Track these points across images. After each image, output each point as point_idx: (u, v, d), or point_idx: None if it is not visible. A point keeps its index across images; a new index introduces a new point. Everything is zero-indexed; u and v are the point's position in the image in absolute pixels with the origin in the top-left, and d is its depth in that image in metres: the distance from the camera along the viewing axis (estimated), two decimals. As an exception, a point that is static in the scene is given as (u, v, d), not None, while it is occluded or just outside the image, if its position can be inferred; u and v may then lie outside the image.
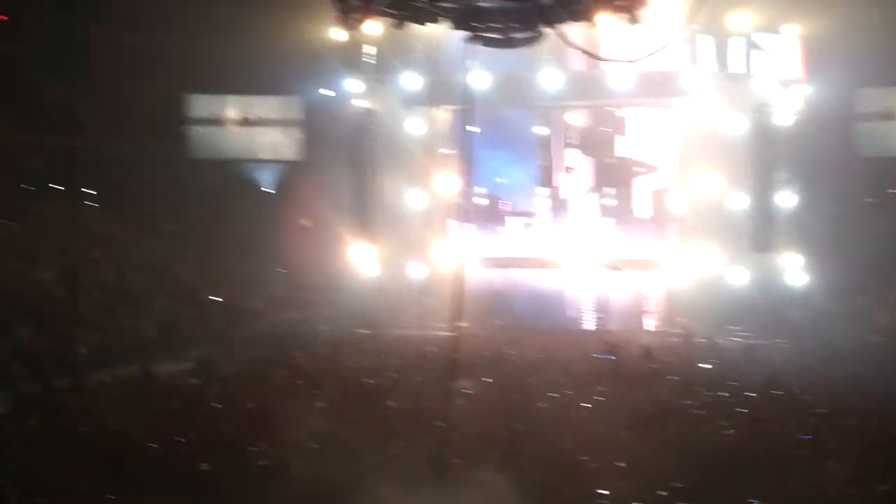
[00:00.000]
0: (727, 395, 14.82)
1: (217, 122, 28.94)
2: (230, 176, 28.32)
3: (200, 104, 28.79)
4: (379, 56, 26.12)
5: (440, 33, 17.18)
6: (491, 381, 15.62)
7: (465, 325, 16.96)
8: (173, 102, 28.04)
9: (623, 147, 27.39)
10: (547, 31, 11.98)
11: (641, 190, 27.09)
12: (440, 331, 19.99)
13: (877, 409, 13.60)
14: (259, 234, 25.94)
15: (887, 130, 26.90)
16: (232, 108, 28.99)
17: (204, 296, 23.28)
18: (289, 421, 12.55)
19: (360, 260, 25.68)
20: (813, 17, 24.35)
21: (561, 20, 11.25)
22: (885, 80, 26.10)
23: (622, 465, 11.33)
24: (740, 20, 24.53)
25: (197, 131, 28.78)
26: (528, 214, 27.26)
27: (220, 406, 13.87)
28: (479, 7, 10.93)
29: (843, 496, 10.16)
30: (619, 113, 27.43)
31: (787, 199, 25.06)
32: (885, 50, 23.88)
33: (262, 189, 28.78)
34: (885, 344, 19.44)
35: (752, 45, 25.30)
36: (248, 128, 29.01)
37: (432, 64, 25.61)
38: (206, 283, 24.04)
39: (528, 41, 12.32)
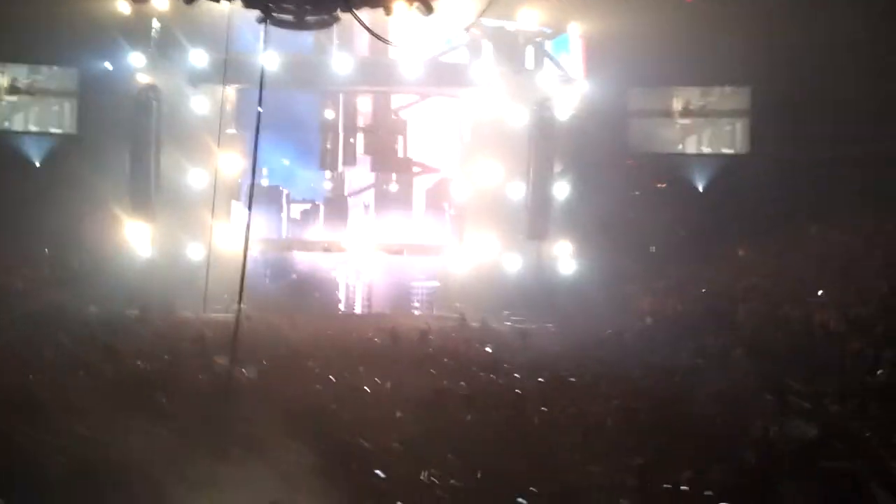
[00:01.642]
0: (497, 377, 15.32)
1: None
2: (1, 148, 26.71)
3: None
4: (165, 31, 25.30)
5: (230, 11, 16.84)
6: (267, 364, 15.51)
7: (243, 307, 16.77)
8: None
9: (404, 147, 27.69)
10: (341, 14, 11.98)
11: (421, 185, 27.52)
12: (217, 314, 19.66)
13: (636, 388, 14.43)
14: (24, 210, 24.57)
15: (657, 128, 28.49)
16: (4, 75, 27.34)
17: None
18: (50, 404, 12.04)
19: (136, 240, 24.79)
20: (594, 17, 25.39)
21: (356, 5, 11.26)
22: (657, 81, 27.57)
23: (396, 446, 11.51)
24: (528, 16, 25.25)
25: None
26: (311, 198, 27.20)
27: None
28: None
29: (603, 471, 10.70)
30: (401, 115, 27.68)
31: (561, 191, 26.06)
32: (658, 52, 25.22)
33: (30, 162, 27.24)
34: (645, 327, 20.55)
35: (537, 41, 26.20)
36: (18, 97, 27.42)
37: (221, 42, 24.96)
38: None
39: (322, 24, 12.26)
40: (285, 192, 27.03)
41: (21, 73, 27.39)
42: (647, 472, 10.24)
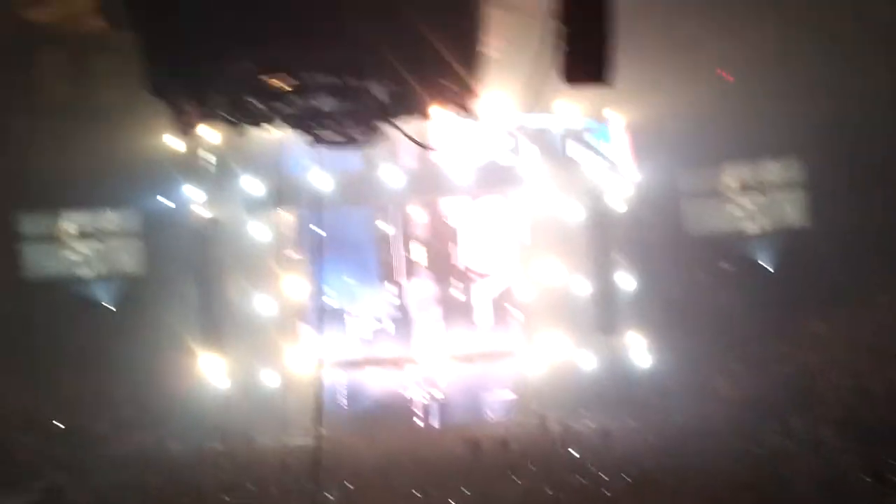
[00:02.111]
0: (585, 480, 15.10)
1: (52, 239, 28.02)
2: (71, 294, 27.32)
3: (33, 221, 27.89)
4: (218, 162, 25.93)
5: (280, 136, 17.27)
6: (353, 487, 15.49)
7: (323, 431, 16.82)
8: (5, 221, 27.08)
9: (458, 256, 27.89)
10: (384, 128, 12.28)
11: (484, 292, 27.55)
12: (299, 439, 19.69)
13: (727, 481, 14.10)
14: (101, 354, 25.04)
15: (712, 207, 28.30)
16: (67, 223, 28.15)
17: (44, 422, 22.21)
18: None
19: (210, 372, 25.07)
20: (636, 105, 25.50)
21: (397, 116, 11.54)
22: (706, 161, 27.52)
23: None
24: (564, 109, 25.51)
25: (31, 249, 27.79)
26: (376, 313, 27.31)
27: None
28: (317, 108, 11.05)
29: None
30: (450, 223, 27.91)
31: (625, 281, 25.93)
32: (704, 132, 25.26)
33: (103, 305, 27.82)
34: (726, 413, 20.13)
35: (581, 133, 26.42)
36: (84, 242, 28.18)
37: (273, 167, 25.58)
38: (46, 408, 22.93)
39: (368, 139, 12.57)
40: (349, 312, 27.09)
41: (85, 220, 28.12)
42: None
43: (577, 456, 17.25)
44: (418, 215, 28.02)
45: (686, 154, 26.32)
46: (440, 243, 27.80)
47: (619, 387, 24.30)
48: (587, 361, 25.06)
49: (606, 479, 14.97)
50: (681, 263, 27.26)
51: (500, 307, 26.93)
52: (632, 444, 17.95)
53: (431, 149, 24.43)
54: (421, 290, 27.54)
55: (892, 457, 13.73)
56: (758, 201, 27.91)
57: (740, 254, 27.76)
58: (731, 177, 27.94)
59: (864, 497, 12.40)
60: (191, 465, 18.96)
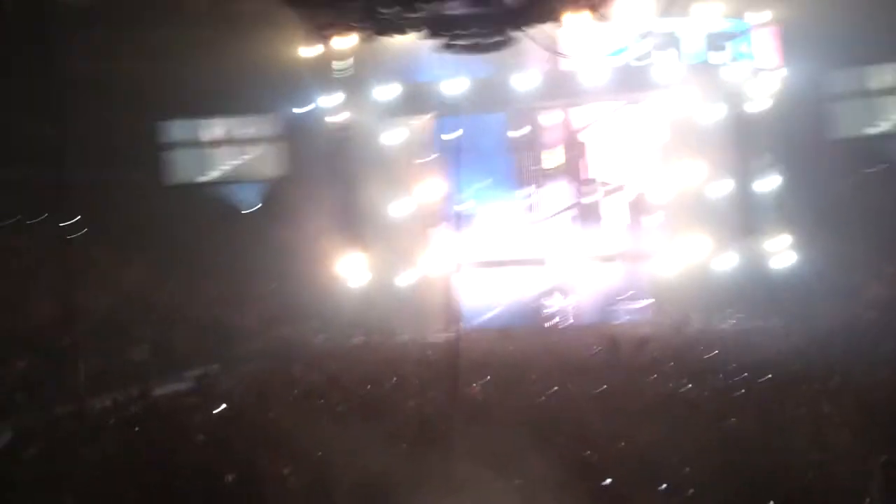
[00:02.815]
0: (723, 379, 14.92)
1: (196, 144, 29.00)
2: (215, 197, 28.33)
3: (178, 128, 28.87)
4: (353, 68, 26.17)
5: (411, 43, 17.25)
6: (491, 381, 15.69)
7: (459, 328, 17.06)
8: (151, 129, 28.08)
9: (590, 166, 27.47)
10: (516, 34, 12.09)
11: (614, 201, 27.17)
12: (437, 335, 20.04)
13: (869, 382, 13.72)
14: (247, 253, 25.93)
15: (860, 109, 27.14)
16: (210, 130, 29.06)
17: (196, 317, 23.21)
18: (294, 431, 12.59)
19: (351, 271, 25.70)
20: (782, 2, 24.53)
21: (529, 22, 11.34)
22: (854, 60, 26.31)
23: (628, 455, 11.40)
24: (708, 12, 24.64)
25: (177, 155, 28.82)
26: (510, 216, 27.34)
27: (222, 423, 13.90)
28: (448, 15, 10.98)
29: (844, 468, 10.23)
30: (583, 130, 27.44)
31: (769, 183, 25.21)
32: (853, 30, 24.09)
33: (247, 208, 28.73)
34: (874, 316, 19.54)
35: (721, 35, 25.55)
36: (228, 148, 29.06)
37: (406, 73, 25.70)
38: (196, 304, 23.98)
39: (498, 46, 12.43)
40: (483, 215, 27.19)
41: (225, 126, 28.90)
42: (892, 468, 9.71)
43: (717, 355, 17.01)
44: (551, 121, 27.76)
45: (832, 54, 25.23)
46: (574, 150, 27.54)
47: (761, 288, 23.90)
48: (728, 262, 24.62)
49: (747, 376, 14.75)
50: (826, 165, 26.35)
51: (635, 212, 26.63)
52: (774, 344, 17.59)
53: (563, 55, 24.09)
54: (554, 194, 27.42)
55: None
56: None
57: (888, 156, 26.66)
58: (877, 78, 26.73)
59: None
60: (334, 357, 19.55)
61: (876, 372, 14.58)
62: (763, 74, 25.61)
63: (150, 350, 20.33)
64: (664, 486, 10.24)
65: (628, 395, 14.14)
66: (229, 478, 11.13)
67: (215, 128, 29.13)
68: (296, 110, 27.42)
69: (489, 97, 25.79)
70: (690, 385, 14.39)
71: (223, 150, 29.25)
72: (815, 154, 26.16)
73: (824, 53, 25.07)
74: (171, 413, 14.84)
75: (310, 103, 26.89)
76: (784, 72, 25.62)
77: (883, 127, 27.14)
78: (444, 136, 26.05)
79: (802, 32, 24.62)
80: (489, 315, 24.84)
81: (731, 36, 25.65)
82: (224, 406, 14.95)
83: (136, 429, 13.73)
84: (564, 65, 25.68)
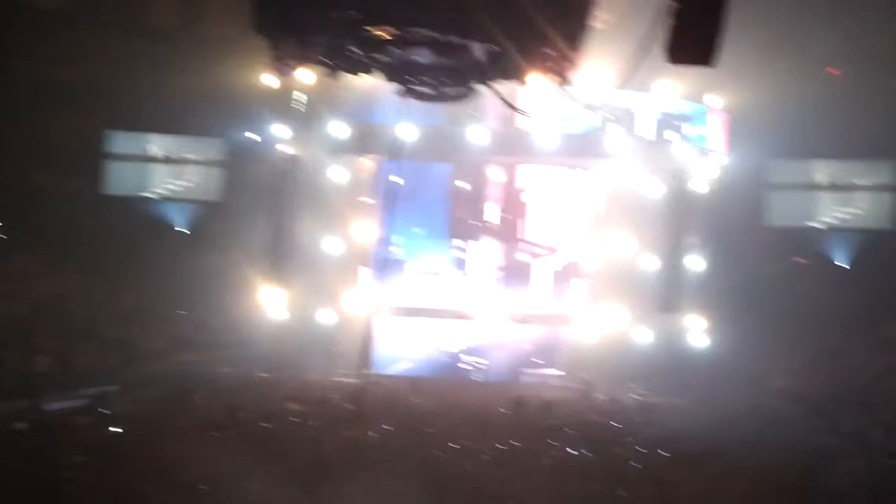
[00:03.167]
0: (622, 451, 15.00)
1: (136, 158, 28.69)
2: (144, 214, 28.00)
3: (120, 141, 28.56)
4: (308, 103, 26.15)
5: (370, 84, 17.30)
6: (391, 429, 15.60)
7: (370, 372, 16.96)
8: (92, 138, 27.68)
9: (527, 226, 27.65)
10: (478, 88, 12.21)
11: (544, 264, 27.42)
12: (346, 378, 19.91)
13: (764, 471, 13.87)
14: (167, 274, 25.61)
15: (797, 201, 27.72)
16: (153, 145, 28.79)
17: (103, 333, 22.81)
18: (183, 461, 12.40)
19: (270, 304, 25.45)
20: (736, 90, 25.04)
21: (493, 78, 11.47)
22: (799, 153, 26.93)
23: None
24: (666, 88, 25.10)
25: (115, 167, 28.48)
26: (439, 266, 27.37)
27: (112, 445, 13.64)
28: (414, 61, 11.05)
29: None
30: (526, 190, 27.79)
31: (696, 263, 25.58)
32: (799, 124, 24.71)
33: (176, 228, 28.45)
34: (779, 406, 19.81)
35: (674, 113, 26.04)
36: (169, 166, 28.79)
37: (361, 114, 25.73)
38: (106, 320, 23.56)
39: (460, 97, 12.51)
40: (412, 262, 27.19)
41: (170, 144, 28.69)
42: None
43: (619, 427, 17.12)
44: (496, 177, 27.97)
45: (778, 145, 25.83)
46: (513, 208, 27.74)
47: (671, 366, 24.10)
48: (644, 336, 24.88)
49: (644, 452, 14.85)
50: (755, 252, 26.85)
51: (562, 278, 26.83)
52: (675, 424, 17.73)
53: (523, 112, 24.33)
54: (486, 250, 27.54)
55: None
56: (843, 200, 27.32)
57: (817, 250, 27.29)
58: (821, 172, 27.37)
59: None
60: (237, 390, 19.27)
61: (770, 460, 14.78)
62: (708, 158, 26.08)
63: (51, 363, 19.85)
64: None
65: (526, 457, 14.17)
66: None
67: (160, 144, 28.83)
68: (244, 137, 27.30)
69: (438, 146, 25.74)
70: (589, 454, 14.44)
71: (164, 168, 28.93)
72: (745, 240, 26.66)
73: (770, 144, 25.65)
74: (59, 429, 14.53)
75: (259, 131, 26.79)
76: (728, 157, 26.11)
77: (815, 221, 27.69)
78: (387, 180, 26.03)
79: (751, 121, 25.18)
80: (402, 364, 24.75)
81: (685, 117, 26.15)
82: (116, 428, 14.71)
83: (21, 441, 13.39)
84: (517, 123, 25.94)
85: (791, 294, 25.63)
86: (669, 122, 26.06)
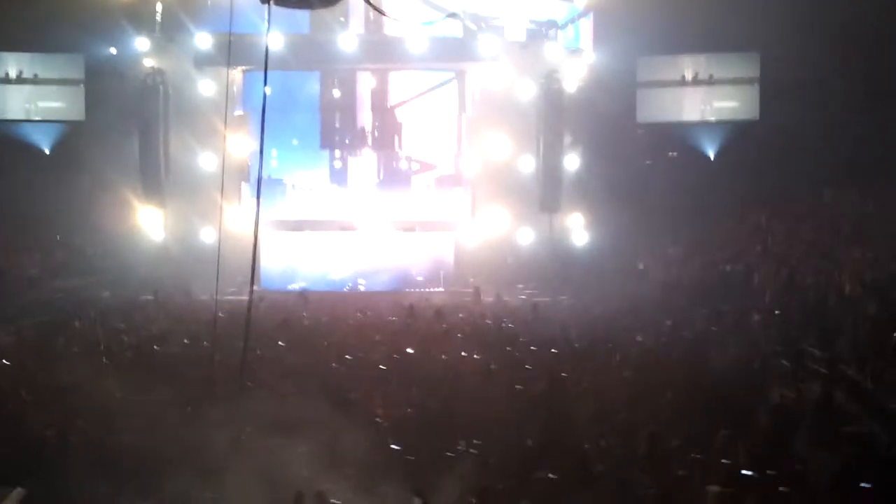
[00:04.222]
0: (512, 350, 15.31)
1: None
2: (7, 137, 26.73)
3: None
4: (169, 14, 25.21)
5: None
6: (283, 344, 15.54)
7: (256, 289, 16.76)
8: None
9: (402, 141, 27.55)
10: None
11: (423, 175, 27.48)
12: (232, 296, 19.66)
13: (649, 360, 14.40)
14: (35, 197, 24.65)
15: (666, 96, 28.27)
16: (10, 65, 27.35)
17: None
18: (72, 390, 12.14)
19: (148, 225, 24.82)
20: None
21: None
22: (666, 49, 27.37)
23: (417, 421, 11.58)
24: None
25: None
26: (319, 179, 27.13)
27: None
28: (278, -36, 10.75)
29: (618, 444, 10.71)
30: (398, 114, 27.49)
31: (572, 163, 25.96)
32: (667, 20, 25.03)
33: (39, 150, 27.27)
34: (659, 296, 20.48)
35: (544, 13, 26.07)
36: (27, 86, 27.40)
37: (224, 23, 24.85)
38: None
39: (327, 2, 12.21)
40: (291, 174, 26.84)
41: (26, 62, 27.32)
42: (657, 440, 10.26)
43: (507, 327, 17.45)
44: (367, 84, 27.62)
45: (644, 40, 26.14)
46: (386, 117, 27.53)
47: (554, 264, 24.65)
48: (526, 237, 25.29)
49: (534, 349, 15.19)
50: (628, 149, 27.41)
51: (441, 187, 26.93)
52: (562, 320, 18.17)
53: (393, 18, 23.96)
54: (364, 160, 27.36)
55: (812, 343, 14.10)
56: (710, 93, 27.96)
57: (687, 144, 27.99)
58: (688, 68, 27.90)
59: (779, 378, 12.76)
60: (122, 312, 18.83)
61: (653, 349, 15.35)
62: (577, 56, 26.29)
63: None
64: (452, 451, 10.48)
65: (421, 363, 14.32)
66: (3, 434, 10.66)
67: (18, 63, 27.38)
68: (104, 51, 26.19)
69: (306, 54, 25.22)
70: (480, 356, 14.68)
71: (24, 88, 27.52)
72: (618, 137, 27.16)
73: (636, 41, 25.95)
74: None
75: (121, 46, 25.73)
76: (596, 56, 26.35)
77: (683, 115, 28.30)
78: (257, 92, 25.39)
79: (616, 20, 25.38)
80: (288, 278, 24.59)
81: (555, 19, 26.21)
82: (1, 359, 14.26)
83: None
84: (386, 29, 25.58)
85: (664, 187, 26.31)
86: (541, 23, 26.20)
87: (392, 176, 27.25)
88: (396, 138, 27.44)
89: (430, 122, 27.37)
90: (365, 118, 27.65)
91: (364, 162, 27.41)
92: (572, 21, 26.74)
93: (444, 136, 27.30)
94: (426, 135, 27.40)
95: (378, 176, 27.26)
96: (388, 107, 27.55)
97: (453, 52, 25.80)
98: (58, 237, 24.79)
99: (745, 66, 27.76)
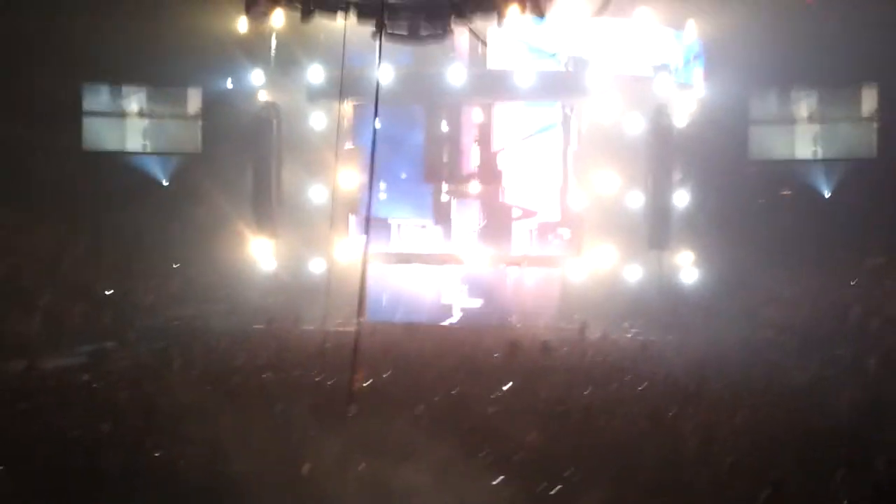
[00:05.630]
0: (621, 388, 15.12)
1: (116, 113, 28.18)
2: (127, 168, 27.62)
3: (98, 94, 28.07)
4: (283, 48, 25.80)
5: (346, 26, 17.03)
6: (389, 375, 15.64)
7: (364, 320, 16.92)
8: (70, 91, 27.19)
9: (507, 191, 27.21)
10: (453, 26, 12.05)
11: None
12: (340, 327, 19.90)
13: (762, 402, 14.03)
14: (155, 228, 25.43)
15: (780, 133, 27.67)
16: (131, 99, 28.32)
17: (96, 290, 22.62)
18: (184, 416, 12.39)
19: (260, 255, 25.36)
20: (712, 18, 24.87)
21: (470, 16, 11.32)
22: (779, 83, 26.85)
23: (521, 456, 11.48)
24: (644, 17, 24.88)
25: (94, 122, 27.99)
26: (424, 211, 27.22)
27: (112, 401, 13.60)
28: (389, 2, 10.90)
29: (730, 487, 10.44)
30: (501, 159, 27.25)
31: (682, 199, 25.62)
32: (780, 54, 24.59)
33: (160, 182, 28.13)
34: (773, 338, 19.97)
35: (654, 43, 25.83)
36: (146, 119, 28.33)
37: (337, 57, 25.29)
38: (98, 277, 23.35)
39: (436, 37, 12.36)
40: (399, 207, 27.00)
41: (146, 96, 28.22)
42: (778, 488, 9.96)
43: (614, 365, 17.23)
44: (474, 118, 27.67)
45: (757, 76, 25.75)
46: (490, 155, 27.46)
47: (663, 302, 24.28)
48: (634, 274, 24.98)
49: (640, 388, 14.97)
50: (739, 186, 26.87)
51: (545, 231, 26.72)
52: (670, 359, 17.87)
53: (499, 51, 24.11)
54: (471, 195, 27.33)
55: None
56: (825, 129, 27.26)
57: (801, 181, 27.29)
58: (800, 103, 27.29)
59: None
60: (235, 342, 19.24)
61: (765, 390, 14.95)
62: (687, 90, 25.97)
63: (42, 320, 19.71)
64: (557, 487, 10.38)
65: (525, 398, 14.24)
66: (117, 458, 10.94)
67: (139, 97, 28.33)
68: (221, 84, 26.97)
69: (416, 88, 25.55)
70: (586, 392, 14.54)
71: (143, 121, 28.46)
72: (729, 174, 26.65)
73: (748, 76, 25.56)
74: (60, 388, 14.46)
75: (237, 80, 26.48)
76: (707, 90, 26.00)
77: (797, 153, 27.66)
78: (367, 125, 25.74)
79: (729, 52, 25.03)
80: (394, 310, 24.79)
81: (665, 49, 25.96)
82: (118, 385, 14.67)
83: (24, 403, 13.30)
84: (493, 63, 25.70)
85: (776, 226, 25.72)
86: (650, 54, 25.90)
87: (494, 223, 27.00)
88: (499, 184, 27.26)
89: (534, 163, 27.08)
90: (470, 153, 27.67)
91: (467, 203, 27.25)
92: (686, 64, 26.26)
93: (549, 178, 26.88)
94: (530, 176, 27.06)
95: (481, 222, 27.08)
96: (492, 146, 27.39)
97: (561, 86, 25.73)
98: (174, 265, 25.43)
99: (862, 101, 27.01)
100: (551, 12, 11.78)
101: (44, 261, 23.21)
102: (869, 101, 26.76)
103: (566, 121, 26.74)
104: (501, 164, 27.13)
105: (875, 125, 26.62)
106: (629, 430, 12.57)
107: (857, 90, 26.92)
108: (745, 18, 23.94)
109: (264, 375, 15.63)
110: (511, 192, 27.08)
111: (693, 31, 25.70)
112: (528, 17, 12.01)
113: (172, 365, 16.24)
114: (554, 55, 24.65)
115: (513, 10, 11.49)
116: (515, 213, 26.94)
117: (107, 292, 22.59)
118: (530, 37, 24.61)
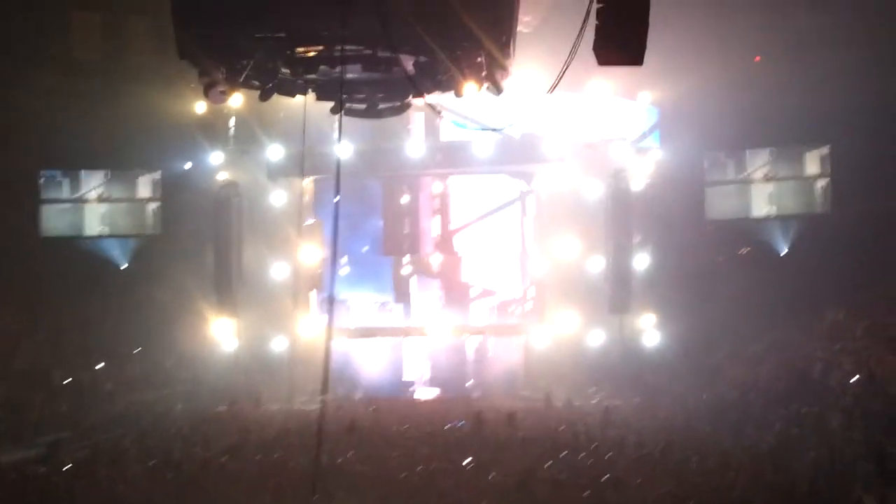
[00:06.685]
0: (588, 456, 15.04)
1: (73, 199, 28.02)
2: (86, 253, 27.40)
3: (55, 181, 27.91)
4: (243, 127, 25.94)
5: (303, 104, 17.17)
6: (355, 452, 15.49)
7: (328, 397, 16.79)
8: (28, 179, 27.07)
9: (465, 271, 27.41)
10: (412, 101, 12.21)
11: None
12: (303, 405, 19.76)
13: (732, 463, 14.01)
14: (114, 312, 25.16)
15: (734, 192, 28.00)
16: (88, 185, 28.19)
17: (53, 378, 22.26)
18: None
19: (221, 335, 25.15)
20: (665, 84, 25.28)
21: (427, 90, 11.47)
22: (732, 144, 27.25)
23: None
24: (598, 87, 25.26)
25: (52, 209, 27.78)
26: (385, 285, 27.20)
27: (70, 493, 13.35)
28: (346, 78, 11.01)
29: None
30: (458, 239, 27.51)
31: (641, 261, 25.79)
32: (732, 115, 25.00)
33: (117, 265, 27.90)
34: (736, 397, 19.99)
35: (608, 111, 26.19)
36: (105, 204, 28.16)
37: (296, 135, 25.47)
38: (55, 363, 23.01)
39: (394, 111, 12.50)
40: (359, 282, 26.97)
41: (104, 181, 28.06)
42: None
43: (580, 432, 17.16)
44: (431, 189, 27.79)
45: (710, 137, 26.11)
46: (449, 230, 27.56)
47: (626, 366, 24.31)
48: (596, 339, 25.03)
49: (608, 455, 14.92)
50: (698, 245, 27.09)
51: (504, 309, 26.80)
52: (636, 424, 17.85)
53: (455, 123, 24.36)
54: (431, 263, 27.40)
55: (896, 444, 13.62)
56: (779, 187, 27.62)
57: (758, 238, 27.56)
58: (756, 163, 27.68)
59: (865, 483, 12.30)
60: (195, 425, 18.97)
61: (731, 451, 14.95)
62: (643, 153, 26.28)
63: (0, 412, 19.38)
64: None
65: (491, 470, 14.15)
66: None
67: (96, 181, 28.21)
68: (179, 165, 26.99)
69: (375, 162, 25.69)
70: (552, 462, 14.46)
71: (101, 206, 28.29)
72: (687, 234, 26.88)
73: (702, 136, 25.93)
74: (17, 482, 14.16)
75: (196, 160, 26.53)
76: (663, 152, 26.35)
77: (752, 211, 27.97)
78: (327, 199, 25.82)
79: (683, 115, 25.44)
80: (358, 385, 24.62)
81: (617, 113, 26.31)
82: (76, 475, 14.40)
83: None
84: (451, 134, 25.93)
85: (736, 284, 25.83)
86: (604, 121, 26.25)
87: (455, 298, 27.05)
88: (459, 260, 27.35)
89: (493, 236, 27.23)
90: (430, 225, 27.73)
91: (427, 282, 27.28)
92: (644, 137, 26.60)
93: (508, 250, 27.10)
94: (490, 251, 27.20)
95: (441, 298, 27.11)
96: (450, 220, 27.51)
97: (518, 154, 25.91)
98: (135, 350, 25.08)
99: (813, 159, 27.44)
100: (507, 88, 11.91)
101: (1, 350, 22.82)
102: (820, 158, 27.17)
103: (523, 195, 26.97)
104: (461, 239, 27.27)
105: (826, 182, 27.02)
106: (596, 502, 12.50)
107: (809, 148, 27.35)
108: (698, 84, 24.34)
109: (223, 460, 15.36)
110: (470, 270, 27.18)
111: (647, 100, 26.11)
112: (485, 92, 12.15)
113: (129, 453, 15.97)
114: (510, 127, 24.92)
115: (470, 87, 11.62)
116: (475, 291, 27.02)
117: (64, 381, 22.15)
118: (486, 111, 24.95)
